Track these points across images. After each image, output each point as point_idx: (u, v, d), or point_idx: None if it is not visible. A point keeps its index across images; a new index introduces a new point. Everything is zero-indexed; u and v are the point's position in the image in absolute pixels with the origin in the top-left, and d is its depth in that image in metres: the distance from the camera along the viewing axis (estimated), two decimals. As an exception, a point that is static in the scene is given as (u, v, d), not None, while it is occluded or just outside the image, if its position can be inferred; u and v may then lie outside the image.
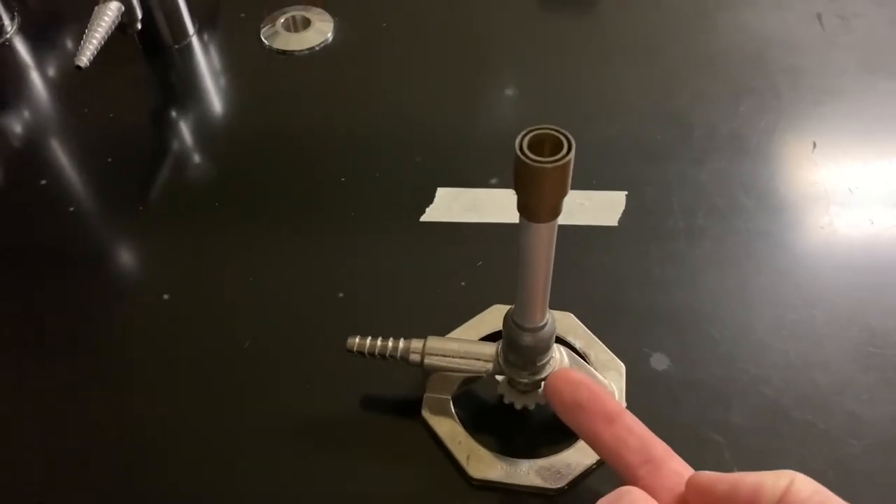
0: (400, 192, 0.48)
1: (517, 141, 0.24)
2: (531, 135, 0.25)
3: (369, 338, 0.37)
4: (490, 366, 0.35)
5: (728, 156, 0.49)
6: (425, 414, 0.37)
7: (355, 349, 0.36)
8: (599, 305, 0.41)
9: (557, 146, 0.24)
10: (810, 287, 0.43)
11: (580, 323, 0.40)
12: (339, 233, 0.46)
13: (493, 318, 0.41)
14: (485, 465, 0.35)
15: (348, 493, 0.36)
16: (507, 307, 0.40)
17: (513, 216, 0.45)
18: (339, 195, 0.48)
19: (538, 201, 0.26)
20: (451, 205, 0.47)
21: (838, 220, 0.46)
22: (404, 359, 0.36)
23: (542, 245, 0.28)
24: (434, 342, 0.36)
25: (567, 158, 0.24)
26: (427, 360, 0.36)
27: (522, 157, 0.24)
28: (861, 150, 0.50)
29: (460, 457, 0.36)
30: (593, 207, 0.47)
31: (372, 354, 0.36)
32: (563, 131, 0.25)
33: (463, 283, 0.43)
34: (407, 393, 0.38)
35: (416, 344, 0.36)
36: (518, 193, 0.26)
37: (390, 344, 0.36)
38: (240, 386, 0.40)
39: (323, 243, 0.46)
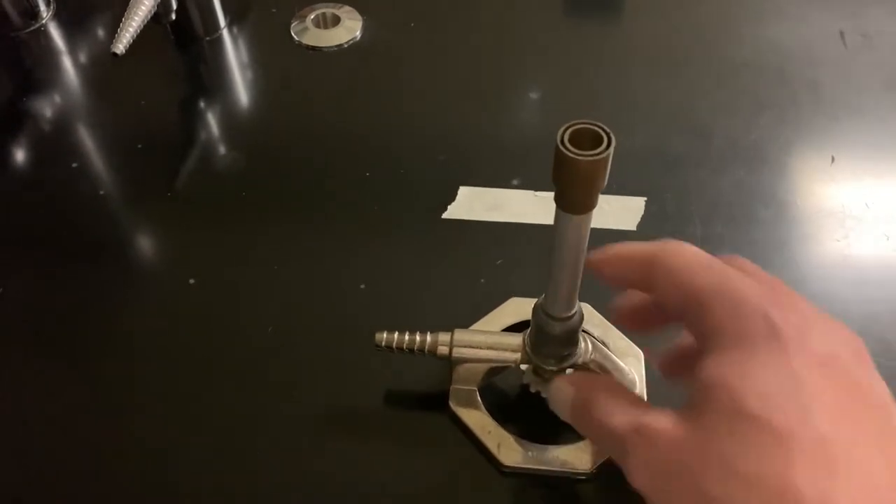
0: (423, 188, 0.49)
1: (559, 134, 0.25)
2: (573, 129, 0.25)
3: (396, 333, 0.37)
4: (518, 355, 0.36)
5: (747, 167, 0.50)
6: (453, 405, 0.38)
7: (383, 344, 0.37)
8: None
9: (597, 141, 0.25)
10: (825, 298, 0.43)
11: (595, 312, 0.41)
12: (362, 226, 0.47)
13: (512, 310, 0.41)
14: (515, 452, 0.36)
15: (379, 482, 0.36)
16: (524, 300, 0.41)
17: (533, 217, 0.47)
18: (363, 189, 0.49)
19: (575, 193, 0.26)
20: (473, 203, 0.48)
21: (854, 234, 0.46)
22: (432, 352, 0.36)
23: (577, 236, 0.29)
24: (461, 334, 0.36)
25: (606, 153, 0.25)
26: (455, 352, 0.36)
27: (563, 150, 0.25)
28: (879, 166, 0.50)
29: (491, 445, 0.36)
30: (612, 212, 0.47)
31: (400, 349, 0.37)
32: (604, 127, 0.25)
33: (483, 280, 0.44)
34: (431, 385, 0.38)
35: (444, 337, 0.36)
36: (556, 185, 0.27)
37: (417, 338, 0.37)
38: (263, 371, 0.40)
39: (346, 236, 0.47)
